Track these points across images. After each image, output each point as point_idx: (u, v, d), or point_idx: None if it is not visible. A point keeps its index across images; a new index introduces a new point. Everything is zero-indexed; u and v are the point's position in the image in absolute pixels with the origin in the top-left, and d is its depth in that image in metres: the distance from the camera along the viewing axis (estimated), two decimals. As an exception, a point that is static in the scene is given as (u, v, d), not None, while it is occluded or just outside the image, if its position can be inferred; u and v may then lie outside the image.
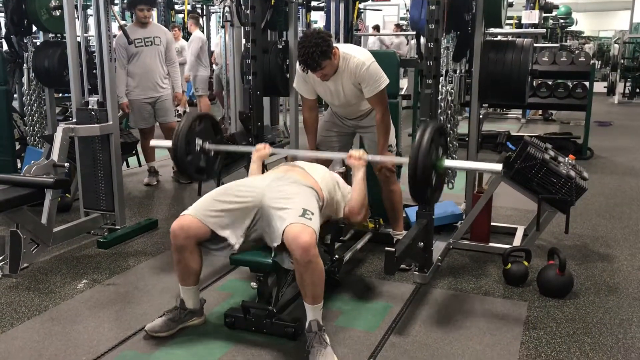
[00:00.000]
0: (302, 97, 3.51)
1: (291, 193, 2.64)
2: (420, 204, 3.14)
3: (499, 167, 2.89)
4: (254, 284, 3.11)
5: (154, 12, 8.98)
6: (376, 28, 13.23)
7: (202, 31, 11.04)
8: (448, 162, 2.95)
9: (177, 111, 6.82)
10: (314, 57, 2.99)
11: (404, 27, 12.80)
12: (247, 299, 2.92)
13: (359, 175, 2.98)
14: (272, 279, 2.81)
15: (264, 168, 3.31)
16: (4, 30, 4.99)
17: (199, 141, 3.24)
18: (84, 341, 2.71)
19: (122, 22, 5.54)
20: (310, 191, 2.70)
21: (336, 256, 3.13)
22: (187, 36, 8.85)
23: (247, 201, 2.67)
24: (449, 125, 3.87)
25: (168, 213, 4.64)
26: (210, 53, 9.24)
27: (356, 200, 2.95)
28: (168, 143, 3.32)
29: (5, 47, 5.25)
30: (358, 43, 7.01)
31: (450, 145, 3.99)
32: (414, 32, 4.12)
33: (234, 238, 2.65)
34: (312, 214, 2.54)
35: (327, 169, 3.07)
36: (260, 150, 3.22)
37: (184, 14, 9.28)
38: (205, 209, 2.66)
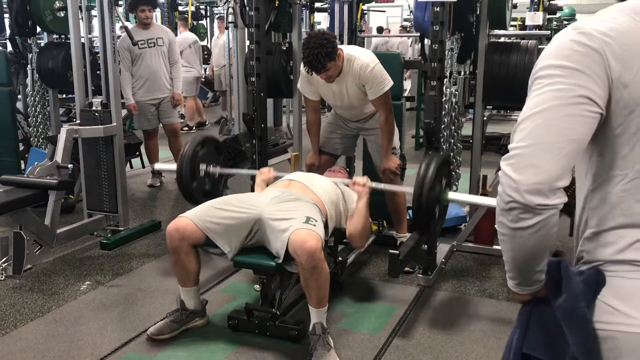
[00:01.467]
0: (305, 99, 3.51)
1: (292, 207, 2.63)
2: (422, 235, 3.06)
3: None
4: (257, 287, 3.10)
5: (157, 13, 8.99)
6: (379, 30, 13.22)
7: (205, 32, 11.04)
8: (452, 195, 2.89)
9: (179, 112, 6.74)
10: (318, 59, 2.98)
11: (408, 29, 12.78)
12: (251, 301, 2.92)
13: (362, 202, 2.86)
14: (276, 282, 2.81)
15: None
16: (8, 31, 5.00)
17: (202, 166, 3.25)
18: (87, 343, 2.70)
19: (127, 24, 5.53)
20: (311, 205, 2.69)
21: (339, 258, 3.12)
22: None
23: (246, 214, 2.65)
24: (452, 127, 3.87)
25: (171, 214, 4.63)
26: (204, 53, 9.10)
27: (356, 228, 2.84)
28: (173, 167, 3.34)
29: (9, 48, 5.26)
30: (362, 45, 6.99)
31: (455, 147, 3.99)
32: (418, 34, 4.11)
33: (228, 247, 2.63)
34: (316, 221, 2.53)
35: (328, 180, 3.04)
36: (264, 174, 3.18)
37: (188, 15, 9.27)
38: (203, 214, 2.65)
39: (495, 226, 1.10)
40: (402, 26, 13.60)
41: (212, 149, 3.36)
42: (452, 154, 4.01)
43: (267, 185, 3.09)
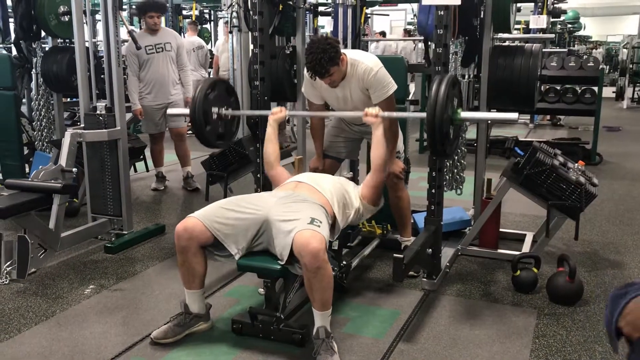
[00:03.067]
0: (309, 103, 3.51)
1: (298, 208, 2.64)
2: (438, 158, 3.14)
3: (514, 115, 2.87)
4: (261, 290, 3.10)
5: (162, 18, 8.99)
6: (382, 34, 13.22)
7: (210, 36, 11.06)
8: (464, 114, 2.94)
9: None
10: (321, 64, 2.98)
11: (412, 32, 12.78)
12: (255, 305, 2.90)
13: (378, 132, 3.01)
14: (280, 285, 2.80)
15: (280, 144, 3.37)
16: (13, 36, 5.01)
17: (214, 109, 3.30)
18: (91, 347, 2.70)
19: (131, 28, 5.54)
20: (318, 207, 2.69)
21: (344, 262, 3.11)
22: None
23: (253, 214, 2.66)
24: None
25: (176, 218, 4.63)
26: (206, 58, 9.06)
27: (377, 157, 3.00)
28: (186, 111, 3.39)
29: (14, 52, 5.28)
30: (365, 48, 7.00)
31: (459, 150, 3.98)
32: (422, 37, 4.11)
33: (236, 249, 2.64)
34: (321, 222, 2.53)
35: (335, 179, 3.06)
36: (276, 114, 3.25)
37: (192, 19, 9.30)
38: (211, 215, 2.65)
39: None
40: (405, 29, 13.57)
41: (222, 91, 3.40)
42: (456, 157, 4.00)
43: (279, 127, 3.27)
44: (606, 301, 1.26)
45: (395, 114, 3.26)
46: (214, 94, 3.31)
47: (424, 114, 2.79)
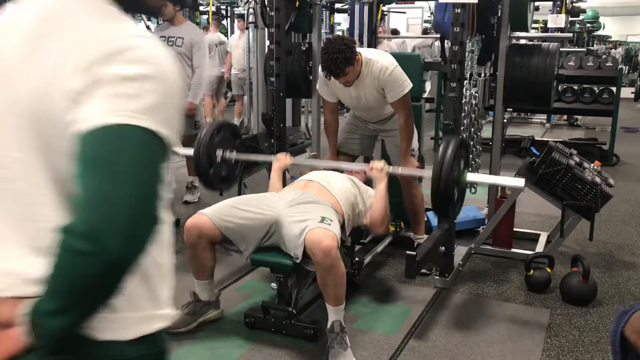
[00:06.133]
0: (323, 100, 3.52)
1: (308, 209, 2.65)
2: (441, 218, 3.11)
3: (521, 182, 2.86)
4: (274, 285, 3.12)
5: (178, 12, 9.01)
6: (395, 32, 13.15)
7: (226, 32, 11.10)
8: (470, 177, 2.92)
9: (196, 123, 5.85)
10: (337, 64, 2.99)
11: (428, 30, 12.72)
12: (267, 299, 2.93)
13: (381, 186, 2.94)
14: (292, 280, 2.82)
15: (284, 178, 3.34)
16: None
17: (219, 152, 3.21)
18: (105, 337, 2.73)
19: (148, 23, 5.55)
20: (327, 206, 2.70)
21: (356, 259, 3.13)
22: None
23: (263, 215, 2.67)
24: (472, 129, 3.85)
25: (190, 212, 4.65)
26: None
27: (377, 212, 2.91)
28: (190, 152, 3.32)
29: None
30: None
31: (474, 149, 3.97)
32: (438, 35, 4.10)
33: (244, 246, 2.66)
34: (331, 220, 2.55)
35: (345, 177, 3.05)
36: (280, 160, 3.23)
37: (209, 15, 9.34)
38: (221, 213, 2.67)
39: None
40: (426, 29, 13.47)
41: (228, 134, 3.37)
42: (471, 156, 3.98)
43: (284, 173, 3.20)
44: (615, 314, 1.24)
45: (400, 171, 3.18)
46: (219, 137, 3.22)
47: (429, 172, 2.74)
